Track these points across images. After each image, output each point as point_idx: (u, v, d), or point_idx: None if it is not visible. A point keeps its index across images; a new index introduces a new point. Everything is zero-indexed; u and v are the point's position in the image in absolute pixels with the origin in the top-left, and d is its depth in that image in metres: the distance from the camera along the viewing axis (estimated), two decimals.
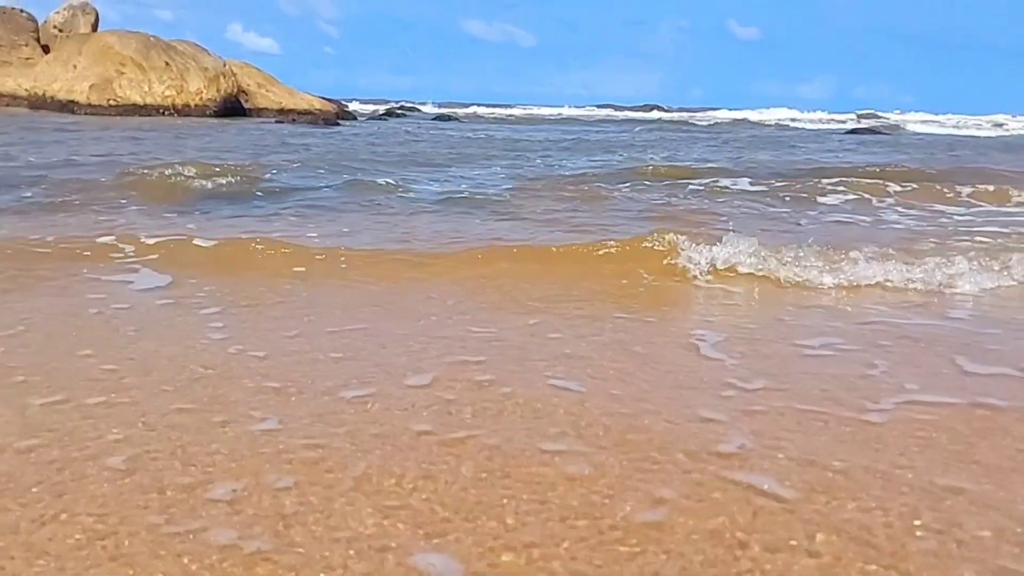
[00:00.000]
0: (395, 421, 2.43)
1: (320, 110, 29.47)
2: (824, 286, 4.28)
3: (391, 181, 9.13)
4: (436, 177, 10.15)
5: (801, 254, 4.49)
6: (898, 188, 9.10)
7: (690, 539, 1.82)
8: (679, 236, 4.66)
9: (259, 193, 8.08)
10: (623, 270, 4.51)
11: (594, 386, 2.79)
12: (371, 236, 5.69)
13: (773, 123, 40.30)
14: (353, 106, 39.57)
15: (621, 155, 15.42)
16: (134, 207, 6.82)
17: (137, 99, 25.39)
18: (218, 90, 26.73)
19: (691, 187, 9.38)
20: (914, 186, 9.34)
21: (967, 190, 9.05)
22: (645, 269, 4.50)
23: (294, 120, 25.45)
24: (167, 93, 25.89)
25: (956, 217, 7.56)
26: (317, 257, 4.77)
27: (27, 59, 26.34)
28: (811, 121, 44.07)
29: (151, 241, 5.00)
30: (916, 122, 43.03)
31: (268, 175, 9.63)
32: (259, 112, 28.34)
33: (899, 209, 8.01)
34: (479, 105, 59.18)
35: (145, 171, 8.71)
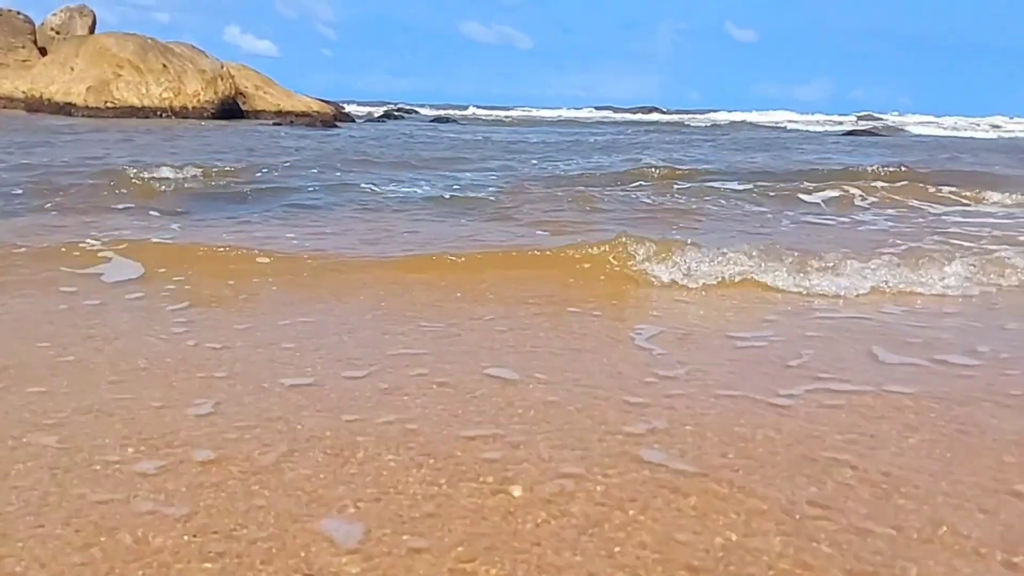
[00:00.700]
0: (326, 408, 2.57)
1: (318, 112, 29.53)
2: (781, 289, 4.33)
3: (381, 183, 9.17)
4: (429, 179, 10.20)
5: (757, 261, 4.53)
6: (881, 189, 9.20)
7: (589, 508, 1.97)
8: (636, 242, 4.74)
9: (247, 195, 8.12)
10: (580, 271, 4.61)
11: (527, 375, 2.93)
12: (349, 239, 5.74)
13: (771, 125, 40.31)
14: (351, 108, 39.65)
15: (617, 157, 15.50)
16: (118, 208, 6.87)
17: (135, 101, 25.46)
18: (216, 92, 26.80)
19: (682, 187, 9.49)
20: (897, 187, 9.44)
21: (948, 190, 9.17)
22: (601, 271, 4.59)
23: (292, 122, 25.49)
24: (164, 95, 25.96)
25: (931, 217, 7.69)
26: (288, 258, 4.83)
27: (24, 61, 26.41)
28: (809, 123, 44.07)
29: (128, 241, 5.06)
30: (914, 124, 43.04)
31: (258, 177, 9.69)
32: (257, 114, 28.39)
33: (878, 210, 8.13)
34: (477, 107, 59.20)
35: (134, 173, 8.74)
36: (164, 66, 25.92)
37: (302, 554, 1.75)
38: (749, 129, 34.24)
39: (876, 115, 54.46)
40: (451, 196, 8.33)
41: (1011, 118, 48.71)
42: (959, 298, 4.29)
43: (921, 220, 7.55)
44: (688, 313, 3.98)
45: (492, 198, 8.29)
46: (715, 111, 58.85)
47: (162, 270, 4.42)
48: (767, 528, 1.91)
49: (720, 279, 4.38)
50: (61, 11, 27.59)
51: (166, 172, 8.94)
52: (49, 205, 6.87)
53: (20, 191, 7.60)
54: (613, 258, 4.64)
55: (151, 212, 6.75)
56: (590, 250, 4.76)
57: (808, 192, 8.95)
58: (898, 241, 6.03)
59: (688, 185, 9.70)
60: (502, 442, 2.34)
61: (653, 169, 11.68)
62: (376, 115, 37.85)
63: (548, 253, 4.90)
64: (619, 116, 52.55)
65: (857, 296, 4.23)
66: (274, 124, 24.94)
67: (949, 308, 4.14)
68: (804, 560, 1.78)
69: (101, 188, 7.90)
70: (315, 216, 6.79)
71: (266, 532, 1.83)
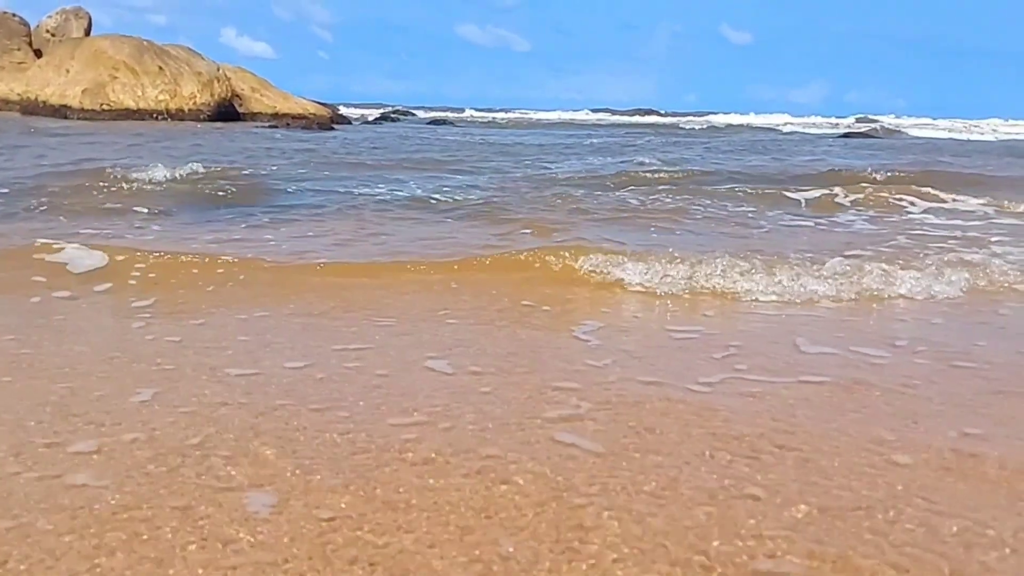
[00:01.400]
0: (264, 395, 2.72)
1: (314, 114, 29.56)
2: (729, 292, 4.40)
3: (371, 185, 9.20)
4: (419, 181, 10.20)
5: (707, 269, 4.58)
6: (864, 191, 9.24)
7: (506, 485, 2.13)
8: (576, 251, 4.86)
9: (234, 197, 8.14)
10: (534, 274, 4.73)
11: (463, 368, 3.08)
12: (326, 240, 5.79)
13: (767, 127, 40.34)
14: (347, 111, 39.69)
15: (610, 159, 15.54)
16: (101, 209, 6.91)
17: (130, 104, 25.49)
18: (212, 95, 26.83)
19: (670, 189, 9.58)
20: (881, 189, 9.50)
21: (930, 192, 9.21)
22: (553, 273, 4.70)
23: (288, 125, 25.51)
24: (160, 98, 25.99)
25: (907, 220, 7.77)
26: (257, 259, 4.89)
27: (19, 63, 26.45)
28: (806, 125, 44.11)
29: (104, 241, 5.09)
30: (911, 126, 43.09)
31: (248, 178, 9.69)
32: (253, 117, 28.42)
33: (857, 212, 8.22)
34: (474, 109, 59.27)
35: (120, 174, 8.75)
36: (160, 68, 25.96)
37: (218, 519, 1.92)
38: (744, 131, 34.28)
39: (872, 117, 54.49)
40: (438, 198, 8.35)
41: (1006, 120, 48.76)
42: (912, 300, 4.40)
43: (896, 222, 7.65)
44: (631, 310, 4.13)
45: (479, 200, 8.32)
46: (712, 113, 58.91)
47: (133, 270, 4.50)
48: (640, 499, 2.08)
49: (667, 281, 4.47)
50: (56, 13, 27.65)
51: (153, 174, 8.97)
52: (33, 204, 6.89)
53: (6, 190, 7.63)
54: (565, 261, 4.76)
55: (134, 212, 6.79)
56: (547, 256, 4.85)
57: (793, 194, 9.06)
58: (867, 243, 6.11)
59: (677, 187, 9.76)
60: (428, 427, 2.49)
61: (644, 171, 11.72)
62: (372, 118, 37.88)
63: (507, 256, 4.98)
64: (616, 118, 52.59)
65: (797, 301, 4.31)
66: (270, 126, 24.97)
67: (887, 309, 4.29)
68: (683, 525, 1.95)
69: (86, 189, 7.93)
70: (298, 218, 6.83)
71: (184, 502, 2.00)
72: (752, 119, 50.70)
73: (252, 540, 1.85)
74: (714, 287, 4.40)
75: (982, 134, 35.25)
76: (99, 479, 2.10)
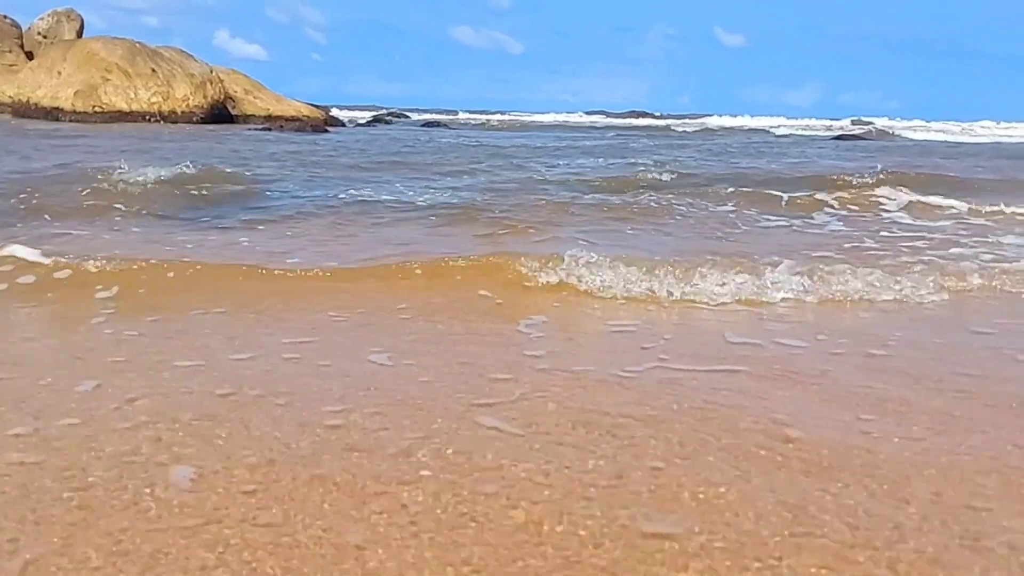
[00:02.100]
0: (205, 384, 2.88)
1: (307, 117, 29.56)
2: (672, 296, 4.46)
3: (357, 188, 9.19)
4: (408, 183, 10.20)
5: (661, 271, 4.63)
6: (847, 193, 9.32)
7: (431, 462, 2.31)
8: (528, 257, 4.87)
9: (217, 199, 8.14)
10: (489, 277, 4.75)
11: (403, 360, 3.22)
12: (300, 242, 5.84)
13: (763, 129, 40.39)
14: (342, 113, 39.70)
15: (601, 161, 15.61)
16: (83, 209, 6.87)
17: (123, 106, 25.48)
18: (205, 96, 26.82)
19: (656, 190, 9.63)
20: (863, 191, 9.59)
21: (909, 195, 9.22)
22: (505, 277, 4.73)
23: (281, 127, 25.50)
24: (153, 100, 25.98)
25: (882, 222, 7.82)
26: (227, 261, 4.97)
27: (11, 66, 26.43)
28: (801, 127, 44.19)
29: (80, 242, 5.06)
30: (903, 128, 43.18)
31: (230, 181, 9.66)
32: (246, 119, 28.41)
33: (832, 214, 8.29)
34: (468, 112, 59.28)
35: (103, 176, 8.74)
36: (153, 70, 25.95)
37: (145, 490, 2.10)
38: (738, 134, 34.33)
39: (866, 120, 54.58)
40: (422, 200, 8.36)
41: (998, 123, 48.85)
42: (866, 301, 4.47)
43: (869, 223, 7.75)
44: (577, 310, 4.25)
45: (462, 202, 8.32)
46: (706, 116, 58.96)
47: (99, 275, 4.51)
48: (535, 473, 2.25)
49: (618, 284, 4.51)
50: (48, 15, 27.62)
51: (138, 176, 8.95)
52: (12, 205, 6.88)
53: None
54: (520, 264, 4.78)
55: (114, 214, 6.78)
56: (500, 261, 4.89)
57: (776, 195, 9.10)
58: (834, 244, 6.25)
59: (662, 188, 9.80)
60: (358, 413, 2.64)
61: (634, 174, 11.74)
62: (366, 120, 37.87)
63: (470, 260, 4.99)
64: (610, 121, 52.63)
65: (741, 300, 4.40)
66: (263, 129, 24.97)
67: (824, 307, 4.42)
68: (570, 488, 2.12)
69: (70, 191, 7.93)
70: (275, 220, 6.83)
71: (113, 473, 2.18)
72: (747, 121, 50.72)
73: (172, 508, 2.02)
74: (661, 288, 4.45)
75: (975, 136, 35.31)
76: (34, 456, 2.29)
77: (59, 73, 25.24)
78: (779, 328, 3.83)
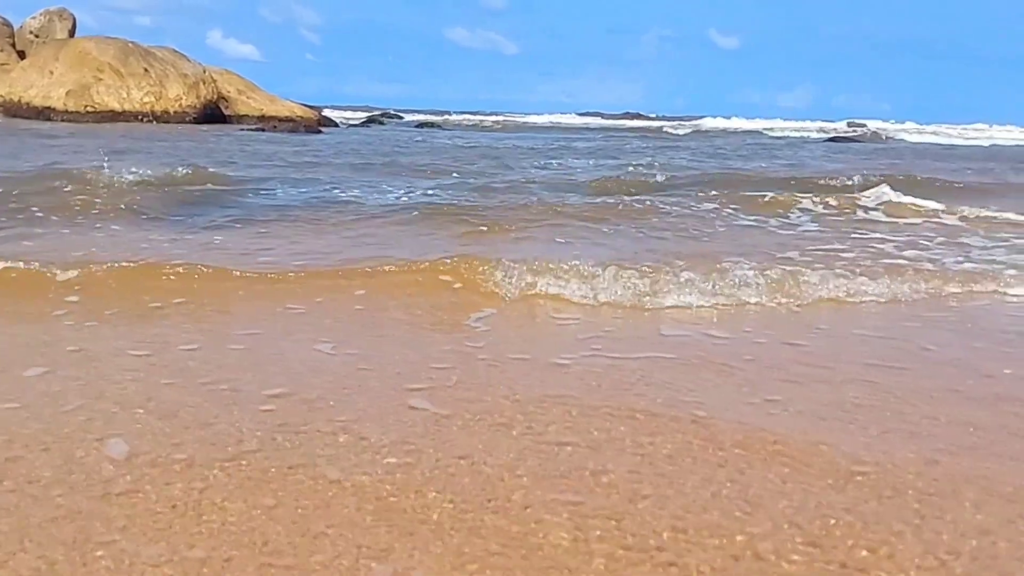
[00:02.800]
0: (152, 372, 3.05)
1: (301, 117, 29.54)
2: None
3: (342, 190, 9.19)
4: (395, 184, 10.20)
5: (626, 273, 4.61)
6: (829, 194, 9.35)
7: (346, 435, 2.49)
8: (489, 263, 4.82)
9: (198, 199, 8.12)
10: (452, 279, 4.72)
11: (344, 349, 3.38)
12: (275, 240, 5.86)
13: (758, 131, 40.45)
14: (336, 113, 39.67)
15: (591, 161, 15.70)
16: (68, 208, 6.86)
17: (115, 105, 25.43)
18: (198, 96, 26.80)
19: (644, 191, 9.80)
20: (845, 193, 9.67)
21: (889, 196, 9.22)
22: (461, 279, 4.70)
23: (274, 127, 25.48)
24: (146, 99, 25.93)
25: (856, 224, 7.86)
26: (200, 263, 4.92)
27: (2, 65, 26.39)
28: (794, 129, 44.25)
29: (50, 243, 5.07)
30: (895, 129, 43.28)
31: (217, 181, 9.66)
32: (240, 119, 28.37)
33: (811, 214, 8.33)
34: (462, 113, 59.24)
35: (91, 176, 8.75)
36: (145, 70, 25.92)
37: (81, 461, 2.28)
38: (732, 136, 34.37)
39: (859, 122, 54.68)
40: (407, 201, 8.36)
41: (991, 126, 48.93)
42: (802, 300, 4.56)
43: (843, 224, 7.82)
44: (532, 306, 4.31)
45: (446, 203, 8.33)
46: (700, 117, 58.95)
47: (70, 275, 4.50)
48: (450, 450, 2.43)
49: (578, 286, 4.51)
50: (40, 14, 27.54)
51: (124, 175, 8.94)
52: None
53: None
54: (484, 268, 4.72)
55: (97, 213, 6.76)
56: (472, 263, 4.82)
57: (757, 196, 9.14)
58: (802, 246, 6.34)
59: (649, 189, 9.84)
60: (296, 398, 2.80)
61: (623, 175, 11.77)
62: (360, 121, 37.85)
63: (436, 261, 4.97)
64: (604, 122, 52.67)
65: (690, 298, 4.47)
66: (256, 129, 24.96)
67: (768, 306, 4.51)
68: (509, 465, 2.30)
69: (55, 190, 7.94)
70: (256, 220, 6.83)
71: (52, 448, 2.37)
72: (742, 123, 50.73)
73: (105, 474, 2.21)
74: (620, 288, 4.46)
75: (969, 139, 35.38)
76: None
77: (51, 73, 25.20)
78: (715, 323, 4.01)
